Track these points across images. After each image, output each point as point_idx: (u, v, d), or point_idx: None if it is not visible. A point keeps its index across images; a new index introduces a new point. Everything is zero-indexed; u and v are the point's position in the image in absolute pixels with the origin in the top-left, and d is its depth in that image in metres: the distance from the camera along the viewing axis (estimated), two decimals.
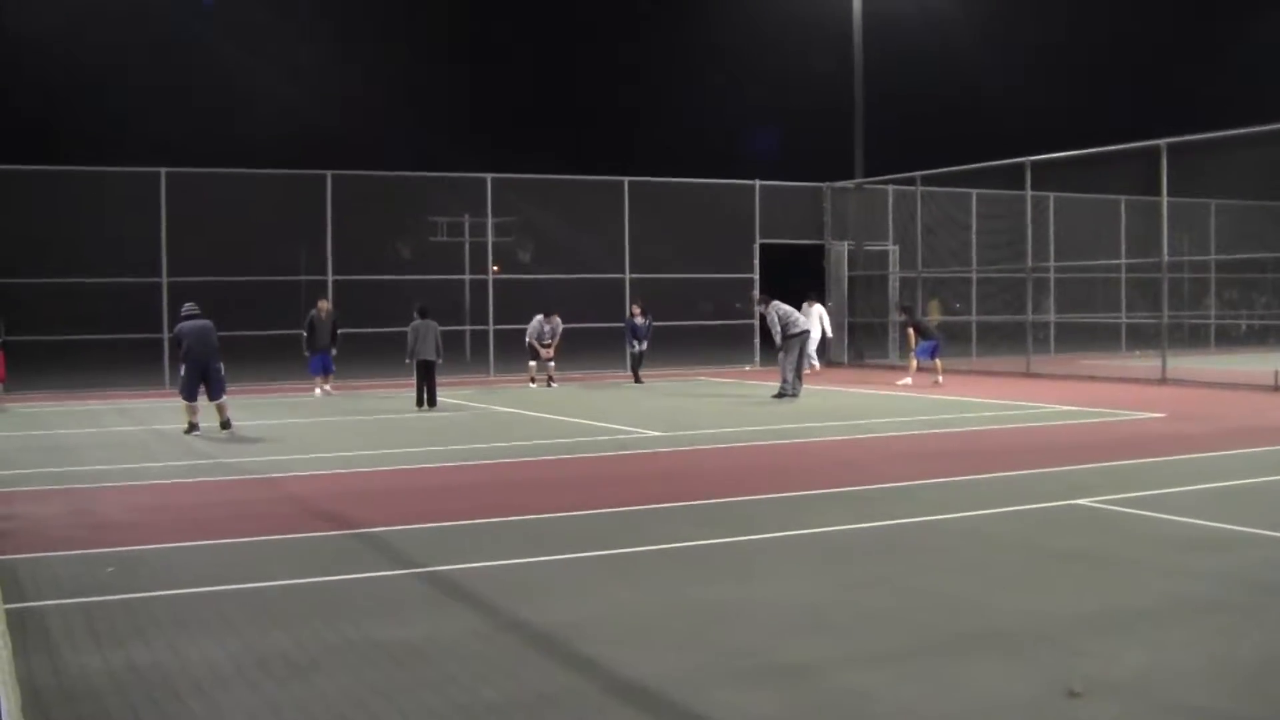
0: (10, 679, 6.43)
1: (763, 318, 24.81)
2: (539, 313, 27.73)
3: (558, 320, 27.71)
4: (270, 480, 13.81)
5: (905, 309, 30.02)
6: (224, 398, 18.66)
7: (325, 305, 25.91)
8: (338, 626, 7.52)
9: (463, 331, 33.60)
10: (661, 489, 12.98)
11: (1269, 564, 9.07)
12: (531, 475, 14.26)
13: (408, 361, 22.36)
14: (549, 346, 27.58)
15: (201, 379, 18.35)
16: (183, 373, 18.56)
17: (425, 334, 22.38)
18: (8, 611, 7.78)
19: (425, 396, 22.20)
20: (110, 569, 9.14)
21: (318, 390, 25.77)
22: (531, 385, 27.65)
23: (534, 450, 16.23)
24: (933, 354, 27.31)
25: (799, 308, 27.02)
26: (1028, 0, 61.54)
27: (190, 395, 18.38)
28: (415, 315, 22.82)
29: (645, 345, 28.77)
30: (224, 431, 18.27)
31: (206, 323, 18.65)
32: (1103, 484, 12.64)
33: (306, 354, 25.75)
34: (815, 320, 30.43)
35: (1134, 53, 61.80)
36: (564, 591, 8.43)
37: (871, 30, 35.89)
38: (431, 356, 22.34)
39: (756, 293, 27.64)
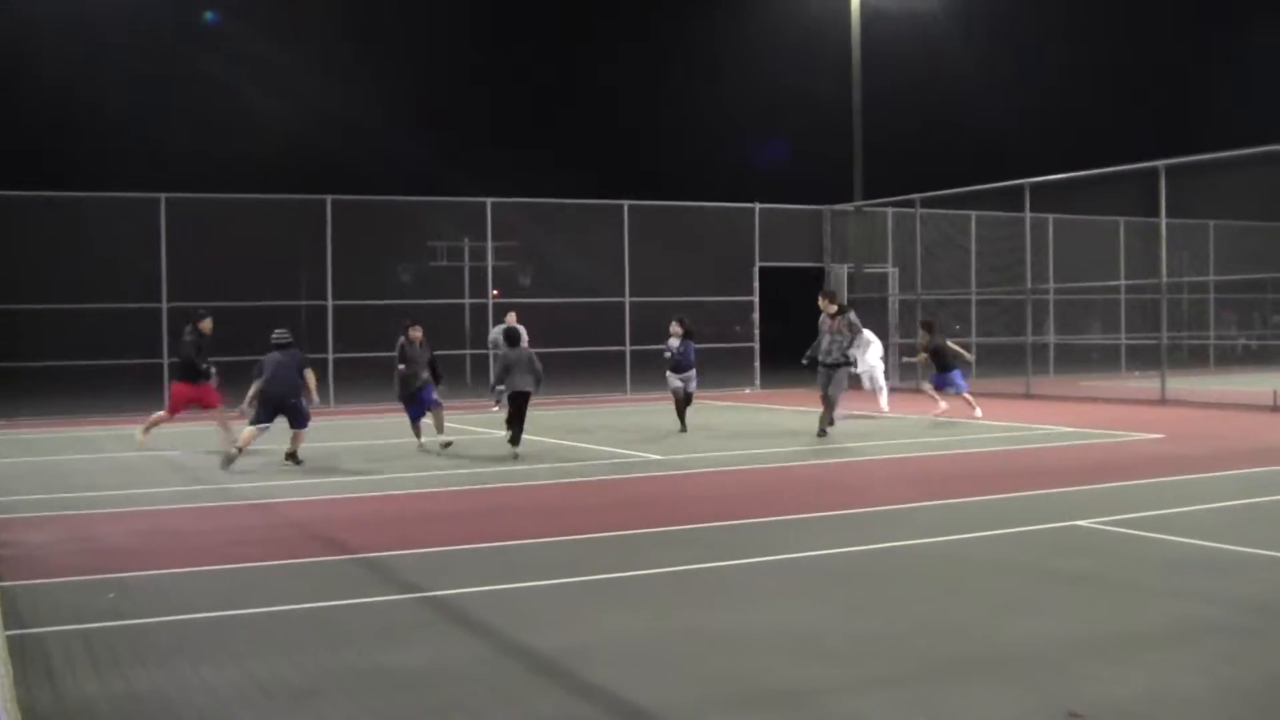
0: (11, 706, 6.42)
1: (848, 326, 20.65)
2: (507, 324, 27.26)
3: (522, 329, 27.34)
4: (269, 505, 13.79)
5: (927, 325, 26.04)
6: (304, 429, 17.85)
7: (417, 333, 19.70)
8: (339, 652, 7.51)
9: (463, 356, 33.62)
10: (659, 513, 12.97)
11: (1272, 586, 9.06)
12: (531, 500, 14.23)
13: (500, 389, 18.56)
14: None
15: (279, 412, 17.56)
16: (258, 404, 17.72)
17: (518, 363, 18.34)
18: (8, 638, 7.77)
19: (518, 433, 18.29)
20: (110, 595, 9.13)
21: (427, 439, 19.68)
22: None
23: (533, 475, 16.22)
24: (942, 385, 24.70)
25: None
26: (1026, 23, 61.75)
27: (255, 420, 17.54)
28: (502, 342, 19.44)
29: (691, 381, 22.03)
30: (288, 461, 17.60)
31: (291, 354, 17.77)
32: (1103, 506, 12.63)
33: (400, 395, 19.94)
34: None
35: (1131, 75, 62.01)
36: (564, 616, 8.42)
37: (870, 53, 35.97)
38: (530, 387, 18.32)
39: (827, 300, 21.35)
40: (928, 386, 24.56)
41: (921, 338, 25.55)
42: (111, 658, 7.45)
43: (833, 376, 20.40)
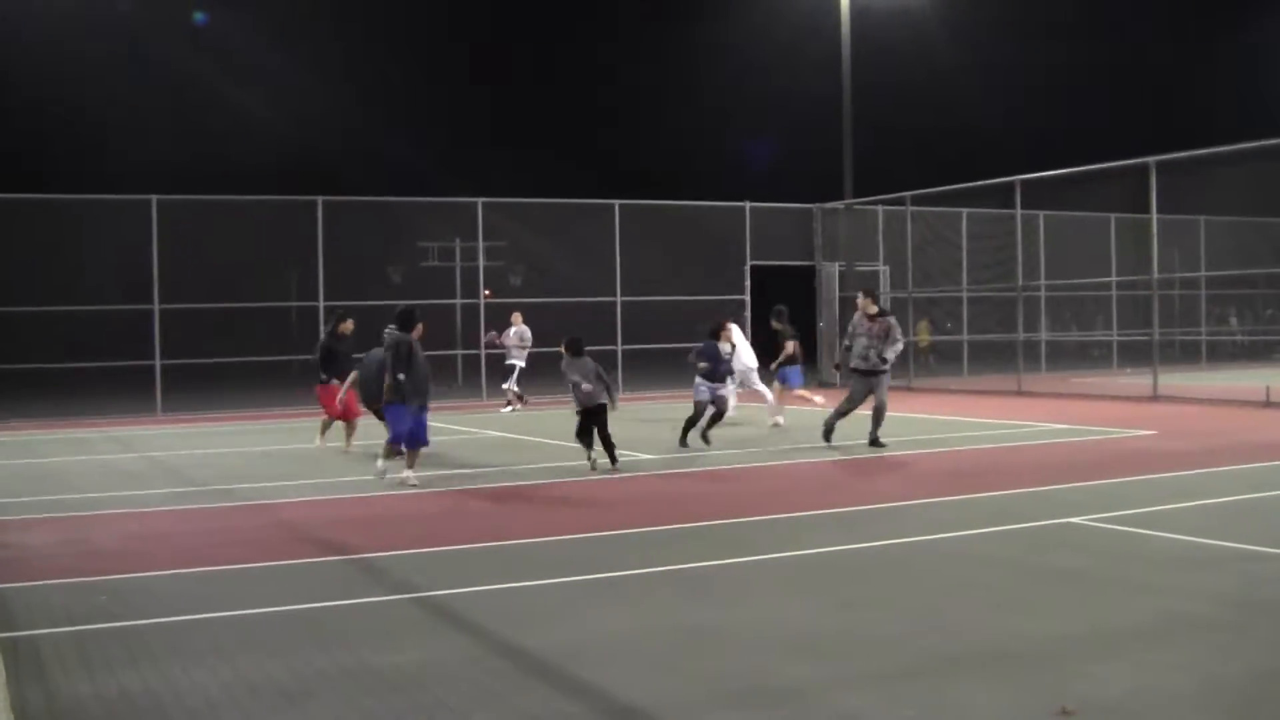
0: (4, 708, 6.43)
1: (887, 330, 18.47)
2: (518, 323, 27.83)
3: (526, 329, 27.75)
4: (262, 506, 13.80)
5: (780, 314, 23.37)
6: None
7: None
8: (331, 653, 7.52)
9: (454, 356, 33.66)
10: (652, 512, 12.98)
11: (1262, 581, 9.09)
12: (523, 499, 14.23)
13: (577, 412, 16.48)
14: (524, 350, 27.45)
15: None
16: None
17: (584, 373, 16.22)
18: (1, 640, 7.77)
19: (603, 450, 16.32)
20: (103, 597, 9.14)
21: (407, 474, 15.43)
22: (511, 409, 27.50)
23: (525, 474, 16.23)
24: (790, 380, 22.75)
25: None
26: (1015, 20, 61.78)
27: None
28: (564, 351, 16.67)
29: (728, 393, 19.70)
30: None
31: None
32: (1095, 502, 12.66)
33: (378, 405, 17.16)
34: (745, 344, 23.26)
35: (1121, 71, 62.02)
36: (557, 616, 8.43)
37: (860, 51, 36.01)
38: (604, 398, 16.27)
39: (863, 298, 19.19)
40: (797, 390, 22.92)
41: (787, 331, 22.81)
42: (104, 660, 7.46)
43: (874, 383, 18.50)
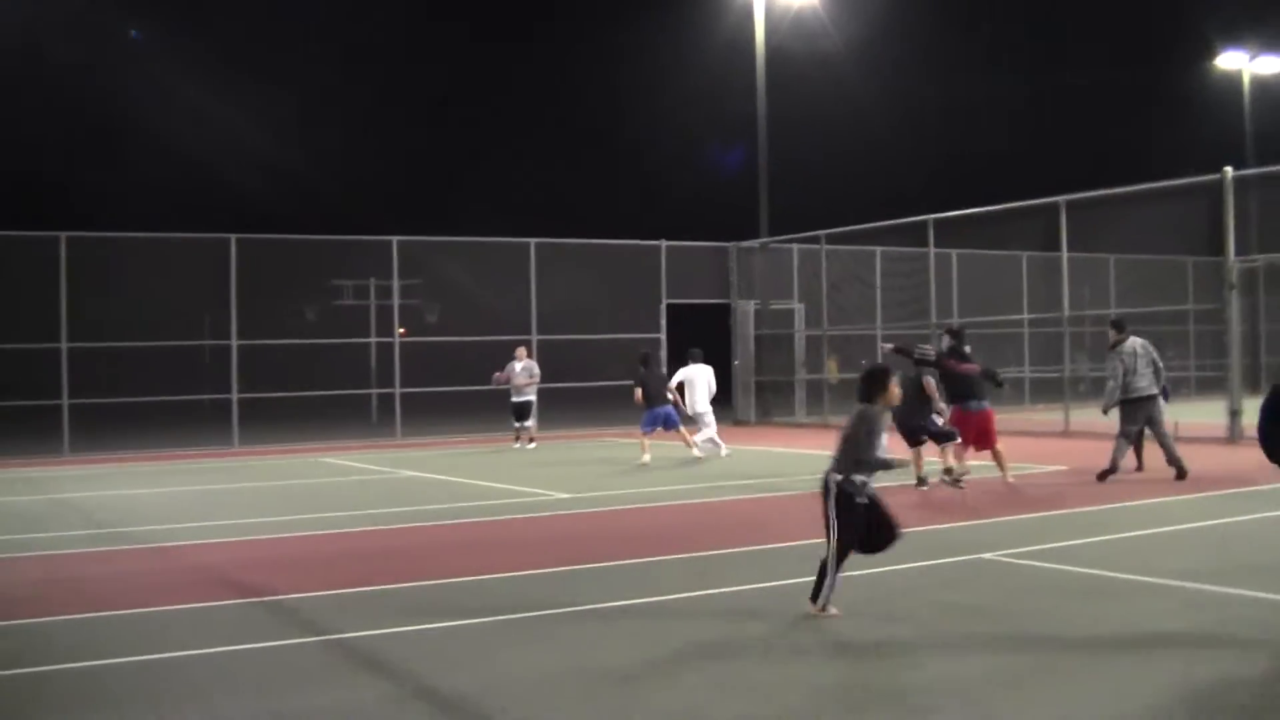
0: None
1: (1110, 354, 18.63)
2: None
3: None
4: (171, 549, 13.59)
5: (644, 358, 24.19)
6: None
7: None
8: (247, 698, 7.42)
9: (369, 395, 33.44)
10: (568, 551, 12.93)
11: (1170, 613, 9.20)
12: (436, 540, 14.14)
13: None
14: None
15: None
16: None
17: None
18: None
19: None
20: (10, 643, 8.96)
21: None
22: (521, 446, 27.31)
23: (439, 515, 16.11)
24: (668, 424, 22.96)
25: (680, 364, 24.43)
26: (926, 62, 62.65)
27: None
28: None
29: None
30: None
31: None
32: (1007, 538, 12.77)
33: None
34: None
35: (1031, 111, 63.02)
36: (474, 657, 8.37)
37: (775, 93, 36.35)
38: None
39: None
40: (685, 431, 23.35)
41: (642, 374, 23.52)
42: (12, 709, 7.32)
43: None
